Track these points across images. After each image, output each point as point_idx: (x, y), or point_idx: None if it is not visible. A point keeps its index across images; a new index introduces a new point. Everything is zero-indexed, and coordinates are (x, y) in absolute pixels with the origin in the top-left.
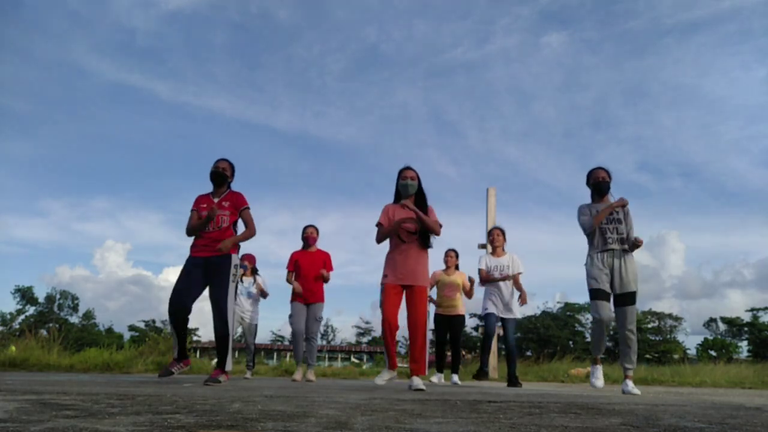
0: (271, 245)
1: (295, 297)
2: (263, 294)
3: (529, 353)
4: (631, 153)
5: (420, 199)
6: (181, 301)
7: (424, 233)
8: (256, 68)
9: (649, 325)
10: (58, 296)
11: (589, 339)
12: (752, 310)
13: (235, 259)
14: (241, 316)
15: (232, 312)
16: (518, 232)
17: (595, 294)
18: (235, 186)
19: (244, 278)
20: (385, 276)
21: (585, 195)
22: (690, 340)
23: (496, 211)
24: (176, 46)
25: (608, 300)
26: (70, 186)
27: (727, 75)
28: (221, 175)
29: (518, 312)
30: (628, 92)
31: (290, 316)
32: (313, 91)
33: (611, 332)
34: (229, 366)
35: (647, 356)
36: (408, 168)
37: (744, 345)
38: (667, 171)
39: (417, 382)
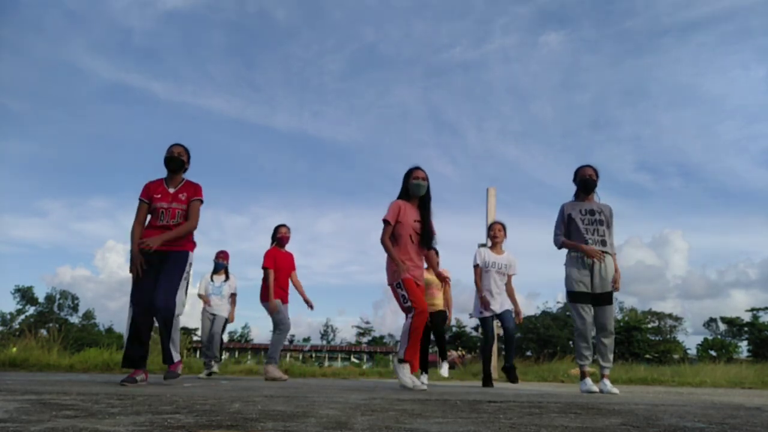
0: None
1: (278, 296)
2: (233, 300)
3: (529, 353)
4: (630, 153)
5: (427, 200)
6: (148, 299)
7: (426, 234)
8: (254, 68)
9: (649, 325)
10: (57, 296)
11: None
12: (752, 310)
13: (191, 257)
14: (212, 313)
15: (179, 308)
16: (518, 231)
17: (578, 297)
18: (233, 184)
19: (215, 277)
20: (403, 269)
21: None
22: (690, 340)
23: (496, 212)
24: (174, 46)
25: (590, 303)
26: (69, 186)
27: (726, 74)
28: (177, 160)
29: (509, 304)
30: (627, 92)
31: (278, 314)
32: (311, 90)
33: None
34: (176, 357)
35: (647, 356)
36: (418, 168)
37: (744, 345)
38: (666, 171)
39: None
